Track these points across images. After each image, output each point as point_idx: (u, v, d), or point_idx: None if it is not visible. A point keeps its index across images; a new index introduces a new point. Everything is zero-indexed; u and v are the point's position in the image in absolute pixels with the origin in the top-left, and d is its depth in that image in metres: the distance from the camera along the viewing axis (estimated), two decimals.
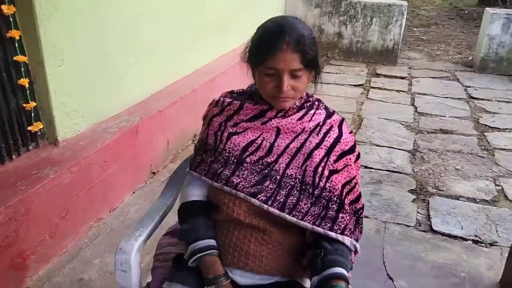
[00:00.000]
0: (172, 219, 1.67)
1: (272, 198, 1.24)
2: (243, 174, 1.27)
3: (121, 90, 2.86)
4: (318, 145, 1.27)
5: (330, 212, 1.25)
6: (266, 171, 1.27)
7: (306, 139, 1.28)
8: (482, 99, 4.95)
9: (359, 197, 1.32)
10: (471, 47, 7.21)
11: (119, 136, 2.61)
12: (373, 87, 5.33)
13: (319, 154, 1.27)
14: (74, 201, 2.30)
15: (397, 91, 5.23)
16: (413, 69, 6.17)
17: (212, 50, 4.16)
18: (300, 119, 1.28)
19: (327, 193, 1.26)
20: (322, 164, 1.26)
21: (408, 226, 2.66)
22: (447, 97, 5.01)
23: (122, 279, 1.29)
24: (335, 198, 1.26)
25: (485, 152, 3.67)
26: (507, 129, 4.15)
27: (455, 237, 2.58)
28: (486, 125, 4.22)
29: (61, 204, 2.22)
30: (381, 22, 6.21)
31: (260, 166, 1.27)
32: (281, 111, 1.28)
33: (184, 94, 3.39)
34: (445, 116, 4.44)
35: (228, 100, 1.35)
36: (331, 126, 1.30)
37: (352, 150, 1.30)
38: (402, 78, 5.74)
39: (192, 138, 3.65)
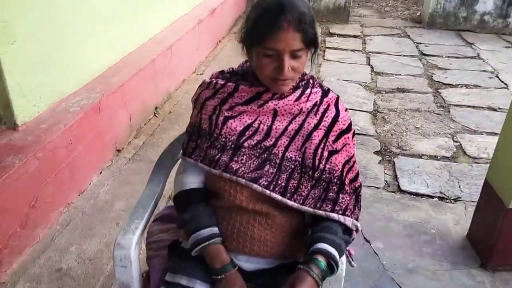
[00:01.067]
0: (160, 204, 1.63)
1: (274, 183, 1.22)
2: (242, 159, 1.23)
3: (77, 65, 2.68)
4: (316, 126, 1.25)
5: (331, 193, 1.25)
6: (265, 155, 1.24)
7: (304, 120, 1.25)
8: (433, 56, 5.11)
9: (357, 175, 1.32)
10: (418, 2, 7.36)
11: (82, 116, 2.47)
12: (328, 47, 5.35)
13: (318, 135, 1.25)
14: (43, 188, 2.18)
15: (352, 50, 5.28)
16: (365, 27, 6.23)
17: (164, 16, 3.97)
18: (297, 99, 1.24)
19: (327, 175, 1.25)
20: (322, 145, 1.25)
21: (377, 188, 2.76)
22: (400, 55, 5.13)
23: (122, 275, 1.25)
24: (335, 180, 1.25)
25: (441, 109, 3.83)
26: (459, 85, 4.33)
27: (422, 195, 2.71)
28: (439, 82, 4.38)
29: (30, 193, 2.09)
30: None
31: (258, 150, 1.24)
32: (278, 95, 1.23)
33: (143, 66, 3.23)
34: (400, 75, 4.56)
35: (221, 81, 1.27)
36: (328, 105, 1.27)
37: (349, 128, 1.29)
38: (356, 36, 5.79)
39: (153, 111, 3.53)
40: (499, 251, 2.12)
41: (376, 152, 3.16)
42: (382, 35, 5.87)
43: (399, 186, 2.77)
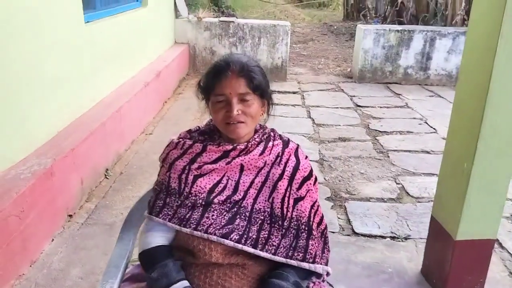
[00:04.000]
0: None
1: (245, 236, 1.29)
2: (212, 215, 1.29)
3: (27, 130, 2.64)
4: (281, 176, 1.34)
5: (301, 241, 1.32)
6: (235, 209, 1.31)
7: (269, 172, 1.34)
8: (367, 107, 5.49)
9: (322, 217, 1.42)
10: (347, 60, 7.95)
11: (34, 182, 2.40)
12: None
13: (283, 184, 1.33)
14: None
15: (293, 105, 5.55)
16: (302, 83, 6.60)
17: (111, 80, 4.03)
18: (261, 153, 1.34)
19: (295, 222, 1.33)
20: (287, 194, 1.33)
21: (333, 232, 2.86)
22: (337, 107, 5.46)
23: None
24: (303, 226, 1.34)
25: (381, 154, 4.09)
26: (394, 131, 4.67)
27: (375, 236, 2.84)
28: (376, 130, 4.70)
29: None
30: (269, 42, 6.56)
31: (228, 205, 1.31)
32: (244, 149, 1.33)
33: (94, 129, 3.23)
34: (340, 125, 4.84)
35: (189, 142, 1.36)
36: (290, 155, 1.38)
37: (310, 175, 1.39)
38: (294, 92, 6.11)
39: (104, 173, 3.48)
40: (452, 283, 2.25)
41: (328, 198, 3.29)
42: (318, 90, 6.24)
43: (353, 229, 2.89)
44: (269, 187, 1.33)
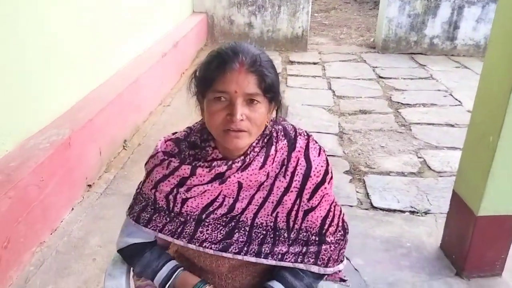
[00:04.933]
0: None
1: (245, 249, 1.14)
2: (207, 229, 1.13)
3: (45, 101, 2.65)
4: (287, 189, 1.12)
5: (312, 247, 1.16)
6: (233, 223, 1.13)
7: (272, 185, 1.12)
8: (390, 78, 5.35)
9: (339, 224, 1.20)
10: (370, 29, 7.72)
11: (52, 152, 2.42)
12: (290, 75, 5.49)
13: (290, 198, 1.12)
14: (15, 228, 2.10)
15: (313, 76, 5.45)
16: (322, 54, 6.46)
17: (128, 51, 3.99)
18: (262, 166, 1.10)
19: (304, 233, 1.15)
20: (295, 207, 1.13)
21: (351, 206, 2.82)
22: (359, 79, 5.33)
23: None
24: (313, 237, 1.15)
25: (403, 127, 3.99)
26: (417, 104, 4.54)
27: (394, 210, 2.79)
28: (398, 102, 4.58)
29: (2, 233, 2.01)
30: (289, 10, 6.40)
31: (224, 219, 1.13)
32: (241, 166, 1.09)
33: (111, 100, 3.22)
34: (361, 97, 4.73)
35: (175, 164, 1.11)
36: (298, 159, 1.13)
37: (324, 177, 1.14)
38: (315, 63, 5.98)
39: (122, 144, 3.50)
40: (473, 259, 2.20)
41: (346, 172, 3.24)
42: (339, 60, 6.10)
43: (371, 203, 2.85)
44: (272, 202, 1.12)
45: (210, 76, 1.02)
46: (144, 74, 3.89)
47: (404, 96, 4.76)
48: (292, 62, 6.01)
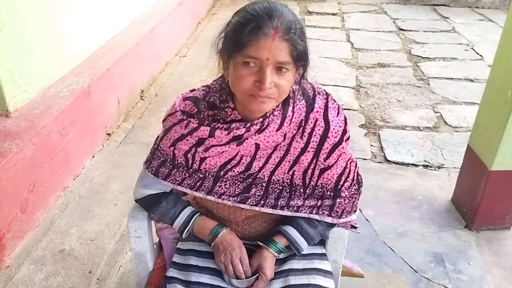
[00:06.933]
0: None
1: (262, 202, 1.18)
2: (225, 184, 1.17)
3: (64, 50, 2.68)
4: (304, 150, 1.13)
5: (327, 201, 1.20)
6: (250, 179, 1.16)
7: (289, 145, 1.13)
8: (411, 31, 5.21)
9: (354, 178, 1.21)
10: None
11: (73, 100, 2.48)
12: (308, 26, 5.39)
13: (306, 158, 1.14)
14: (39, 173, 2.20)
15: (331, 28, 5.34)
16: (342, 4, 6.29)
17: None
18: (279, 128, 1.10)
19: (320, 189, 1.18)
20: (312, 166, 1.15)
21: (365, 159, 2.85)
22: (378, 31, 5.21)
23: (138, 245, 1.30)
24: (328, 192, 1.19)
25: (421, 82, 3.94)
26: (437, 58, 4.45)
27: (408, 164, 2.82)
28: (418, 56, 4.49)
29: (28, 178, 2.11)
30: None
31: (242, 176, 1.16)
32: (259, 128, 1.09)
33: (128, 49, 3.23)
34: (380, 50, 4.65)
35: (194, 124, 1.11)
36: (316, 120, 1.12)
37: (342, 138, 1.14)
38: (334, 14, 5.84)
39: (140, 94, 3.54)
40: (483, 212, 2.24)
41: (361, 126, 3.25)
42: (359, 12, 5.94)
43: (385, 157, 2.88)
44: (289, 162, 1.14)
45: (242, 40, 0.98)
46: (160, 23, 3.87)
47: (424, 49, 4.65)
48: (310, 13, 5.87)
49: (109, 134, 3.02)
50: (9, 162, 1.95)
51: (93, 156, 2.80)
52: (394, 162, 2.83)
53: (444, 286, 1.97)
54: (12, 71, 2.19)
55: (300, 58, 1.02)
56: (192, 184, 1.17)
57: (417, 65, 4.27)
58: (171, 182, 1.19)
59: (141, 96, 3.55)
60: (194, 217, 1.24)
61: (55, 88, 2.54)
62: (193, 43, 4.71)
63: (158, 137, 1.21)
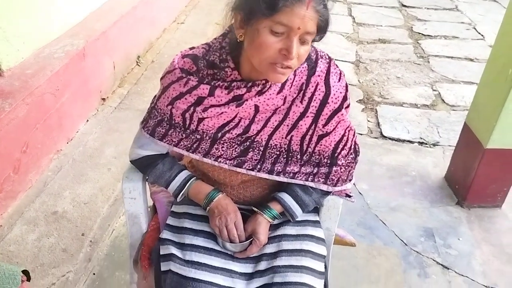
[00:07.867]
0: None
1: (258, 167, 1.17)
2: (222, 147, 1.14)
3: (60, 10, 2.61)
4: (303, 114, 1.12)
5: (323, 168, 1.19)
6: (247, 143, 1.14)
7: (288, 109, 1.11)
8: (413, 7, 5.14)
9: (351, 146, 1.20)
10: None
11: (67, 62, 2.43)
12: None
13: (305, 123, 1.12)
14: (33, 134, 2.17)
15: (333, 1, 5.23)
16: None
17: None
18: (280, 91, 1.08)
19: (317, 156, 1.17)
20: (310, 132, 1.14)
21: (361, 134, 2.85)
22: (381, 6, 5.13)
23: (132, 207, 1.30)
24: (325, 160, 1.18)
25: (421, 59, 3.91)
26: (438, 36, 4.40)
27: (403, 140, 2.82)
28: (419, 33, 4.44)
29: (20, 138, 2.09)
30: None
31: (239, 139, 1.14)
32: (261, 90, 1.06)
33: (125, 12, 3.16)
34: (381, 26, 4.59)
35: (193, 82, 1.08)
36: (317, 85, 1.10)
37: (342, 104, 1.13)
38: None
39: (136, 60, 3.49)
40: (475, 190, 2.25)
41: (359, 101, 3.23)
42: None
43: (381, 133, 2.87)
44: (287, 126, 1.12)
45: (274, 5, 0.91)
46: None
47: (425, 26, 4.60)
48: None
49: (103, 99, 2.98)
50: (1, 121, 1.93)
51: (87, 120, 2.77)
52: (390, 138, 2.83)
53: (433, 260, 2.00)
54: (6, 29, 2.14)
55: (324, 30, 1.00)
56: (189, 145, 1.15)
57: (418, 43, 4.23)
58: (167, 143, 1.17)
59: (137, 62, 3.49)
60: (190, 181, 1.23)
61: (50, 48, 2.49)
62: (192, 10, 4.62)
63: (155, 96, 1.18)
